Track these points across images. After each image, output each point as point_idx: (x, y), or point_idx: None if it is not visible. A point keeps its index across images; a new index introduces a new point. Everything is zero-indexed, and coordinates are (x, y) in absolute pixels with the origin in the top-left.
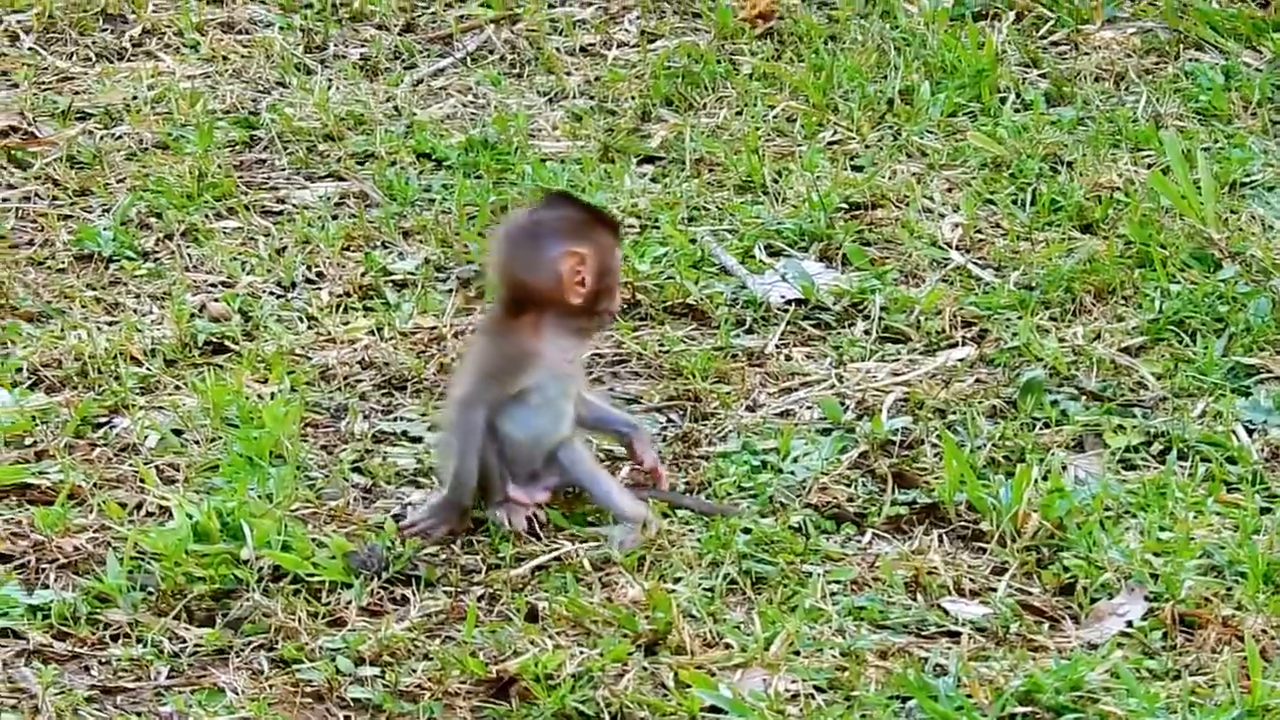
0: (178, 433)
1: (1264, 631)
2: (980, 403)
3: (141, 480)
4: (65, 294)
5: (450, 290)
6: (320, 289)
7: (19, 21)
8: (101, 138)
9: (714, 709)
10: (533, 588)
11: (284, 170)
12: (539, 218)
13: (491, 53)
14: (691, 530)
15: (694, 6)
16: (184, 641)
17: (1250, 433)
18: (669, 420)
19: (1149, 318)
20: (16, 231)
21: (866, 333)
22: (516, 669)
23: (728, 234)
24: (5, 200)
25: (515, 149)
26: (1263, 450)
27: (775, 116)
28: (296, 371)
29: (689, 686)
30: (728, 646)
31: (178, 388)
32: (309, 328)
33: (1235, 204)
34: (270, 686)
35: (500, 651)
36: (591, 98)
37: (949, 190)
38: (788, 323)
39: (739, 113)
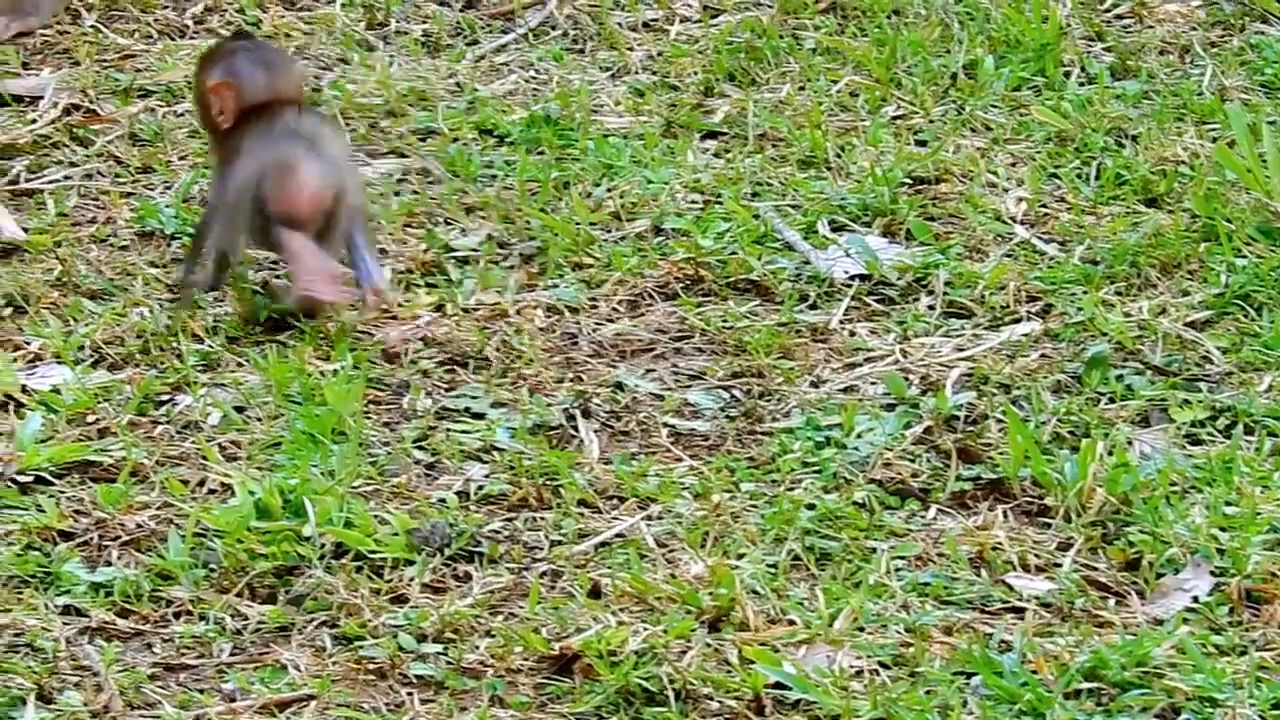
0: (240, 410)
1: None
2: (1045, 378)
3: (204, 457)
4: (127, 271)
5: (512, 266)
6: (383, 265)
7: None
8: (163, 115)
9: (778, 685)
10: (595, 564)
11: (346, 147)
12: None
13: (554, 29)
14: (755, 506)
15: None
16: (246, 618)
17: None
18: (732, 397)
19: (1215, 292)
20: (79, 209)
21: (930, 308)
22: (579, 645)
23: (791, 209)
24: (67, 178)
25: (577, 125)
26: None
27: (838, 91)
28: (359, 348)
29: (753, 663)
30: (791, 623)
31: (240, 365)
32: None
33: None
34: (333, 663)
35: (563, 628)
36: (654, 73)
37: (1013, 165)
38: (851, 298)
39: (802, 88)
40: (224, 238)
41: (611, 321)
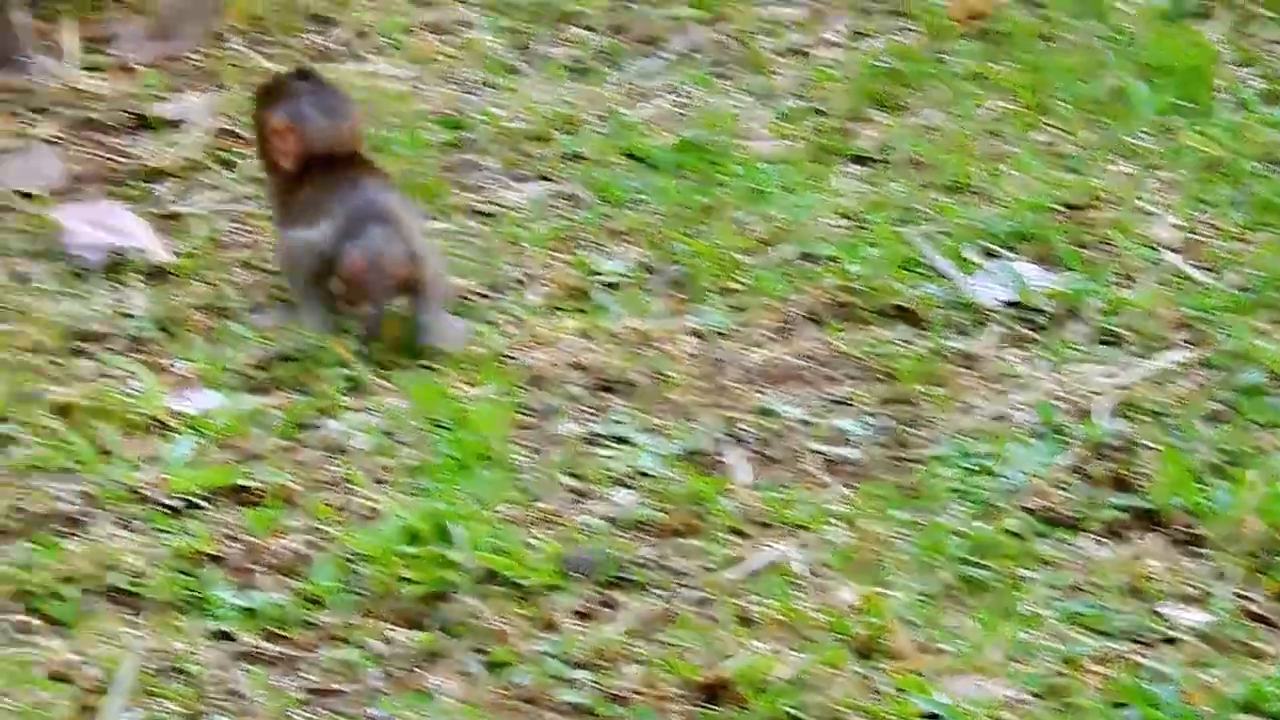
0: (387, 434)
1: None
2: (1198, 406)
3: (351, 482)
4: (275, 295)
5: (660, 291)
6: (529, 290)
7: (227, 23)
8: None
9: (930, 715)
10: (745, 591)
11: (492, 171)
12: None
13: (700, 53)
14: (905, 534)
15: (903, 6)
16: (394, 644)
17: None
18: (881, 424)
19: None
20: (226, 233)
21: (1081, 335)
22: (729, 673)
23: (939, 235)
24: (216, 201)
25: (724, 149)
26: None
27: (986, 116)
28: (506, 373)
29: (904, 692)
30: (943, 652)
31: (387, 389)
32: (519, 329)
33: None
34: (481, 690)
35: (712, 656)
36: (800, 97)
37: (1163, 191)
38: (1001, 324)
39: (950, 113)
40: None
41: (759, 347)
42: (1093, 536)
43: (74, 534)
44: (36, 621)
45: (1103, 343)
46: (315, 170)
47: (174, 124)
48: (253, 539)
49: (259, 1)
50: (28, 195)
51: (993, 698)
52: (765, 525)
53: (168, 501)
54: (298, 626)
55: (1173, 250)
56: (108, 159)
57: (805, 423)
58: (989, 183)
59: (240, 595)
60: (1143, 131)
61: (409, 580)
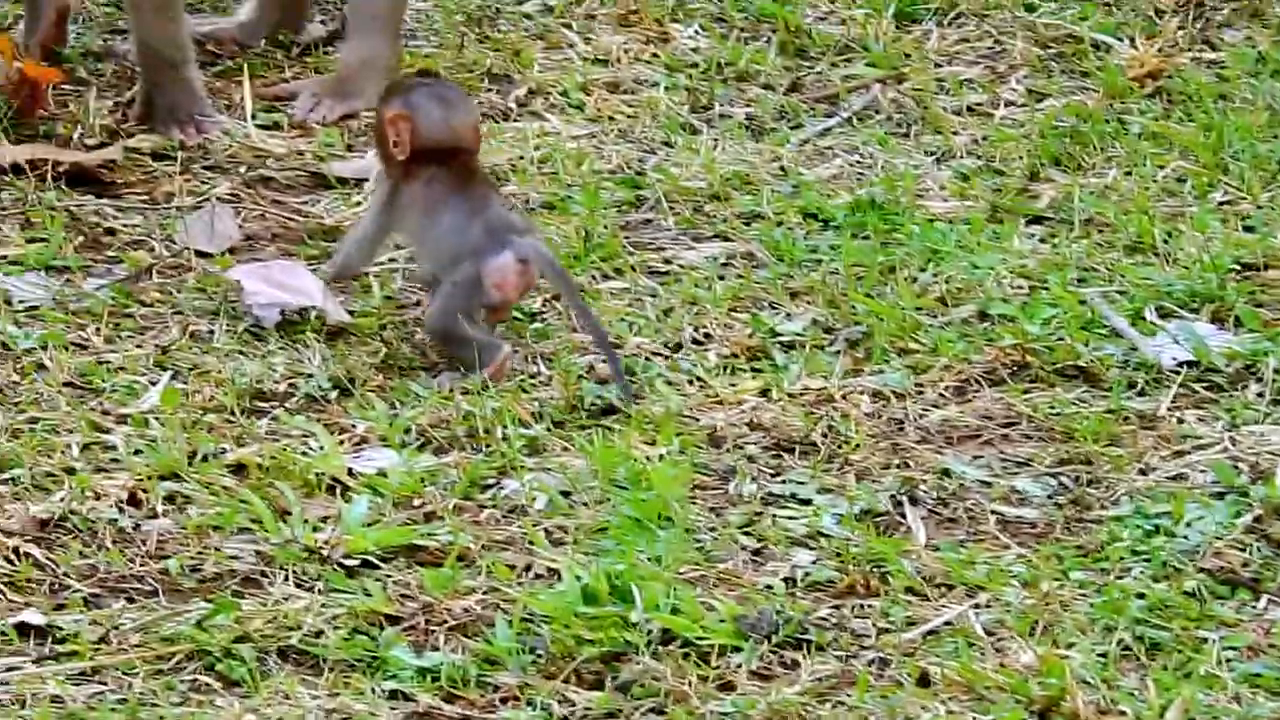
0: (566, 494)
1: None
2: None
3: (530, 542)
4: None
5: (838, 351)
6: (707, 350)
7: None
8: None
9: None
10: (924, 652)
11: (670, 230)
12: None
13: (878, 112)
14: (1084, 595)
15: (1082, 65)
16: (573, 704)
17: None
18: (1060, 484)
19: None
20: (403, 292)
21: (1260, 395)
22: None
23: (1118, 295)
24: (392, 261)
25: (903, 209)
26: None
27: (1165, 176)
28: (685, 433)
29: None
30: (1122, 713)
31: (565, 449)
32: (697, 389)
33: None
34: None
35: (891, 717)
36: (979, 157)
37: None
38: (1180, 385)
39: (1128, 172)
40: (358, 258)
41: (938, 407)
42: (1272, 598)
43: (251, 594)
44: (213, 682)
45: None
46: (434, 169)
47: (351, 182)
48: (431, 599)
49: (437, 60)
50: (205, 254)
51: None
52: (944, 586)
53: (345, 561)
54: (476, 687)
55: None
56: (285, 217)
57: (984, 483)
58: (1167, 243)
59: (419, 656)
60: None
61: (587, 641)
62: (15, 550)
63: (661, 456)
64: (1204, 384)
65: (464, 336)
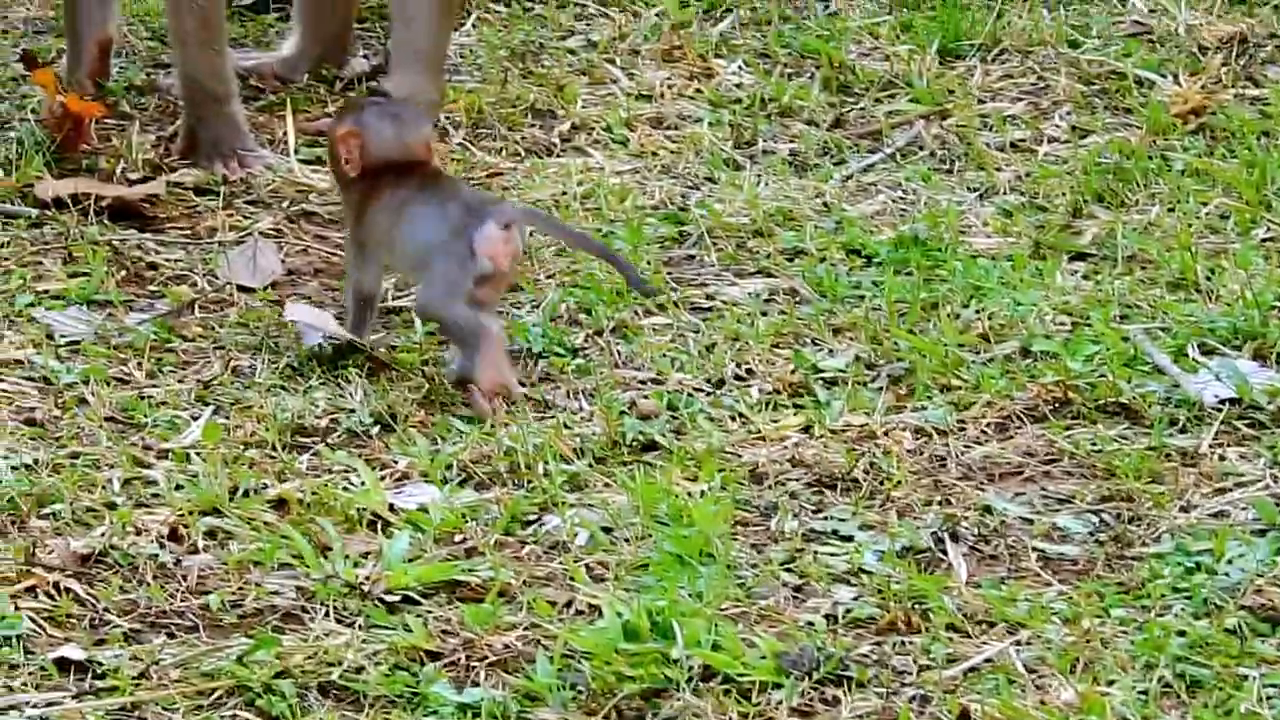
0: (607, 530)
1: None
2: None
3: (571, 578)
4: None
5: (880, 387)
6: (750, 386)
7: (448, 116)
8: (531, 233)
9: None
10: (965, 689)
11: (713, 266)
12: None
13: (921, 148)
14: (1125, 632)
15: (1125, 102)
16: None
17: None
18: (1102, 521)
19: None
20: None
21: None
22: None
23: (1160, 332)
24: None
25: (946, 245)
26: None
27: (1208, 213)
28: (726, 469)
29: None
30: None
31: (607, 485)
32: (739, 425)
33: None
34: None
35: None
36: (1022, 193)
37: None
38: (1221, 422)
39: (1171, 209)
40: (369, 283)
41: (980, 444)
42: None
43: (292, 629)
44: (254, 717)
45: None
46: (395, 178)
47: None
48: (472, 635)
49: (481, 95)
50: (247, 289)
51: None
52: (985, 623)
53: (386, 597)
54: None
55: None
56: (328, 253)
57: (1025, 520)
58: (1210, 280)
59: (459, 692)
60: None
61: (628, 677)
62: (56, 585)
63: (703, 493)
64: (1246, 421)
65: (453, 316)
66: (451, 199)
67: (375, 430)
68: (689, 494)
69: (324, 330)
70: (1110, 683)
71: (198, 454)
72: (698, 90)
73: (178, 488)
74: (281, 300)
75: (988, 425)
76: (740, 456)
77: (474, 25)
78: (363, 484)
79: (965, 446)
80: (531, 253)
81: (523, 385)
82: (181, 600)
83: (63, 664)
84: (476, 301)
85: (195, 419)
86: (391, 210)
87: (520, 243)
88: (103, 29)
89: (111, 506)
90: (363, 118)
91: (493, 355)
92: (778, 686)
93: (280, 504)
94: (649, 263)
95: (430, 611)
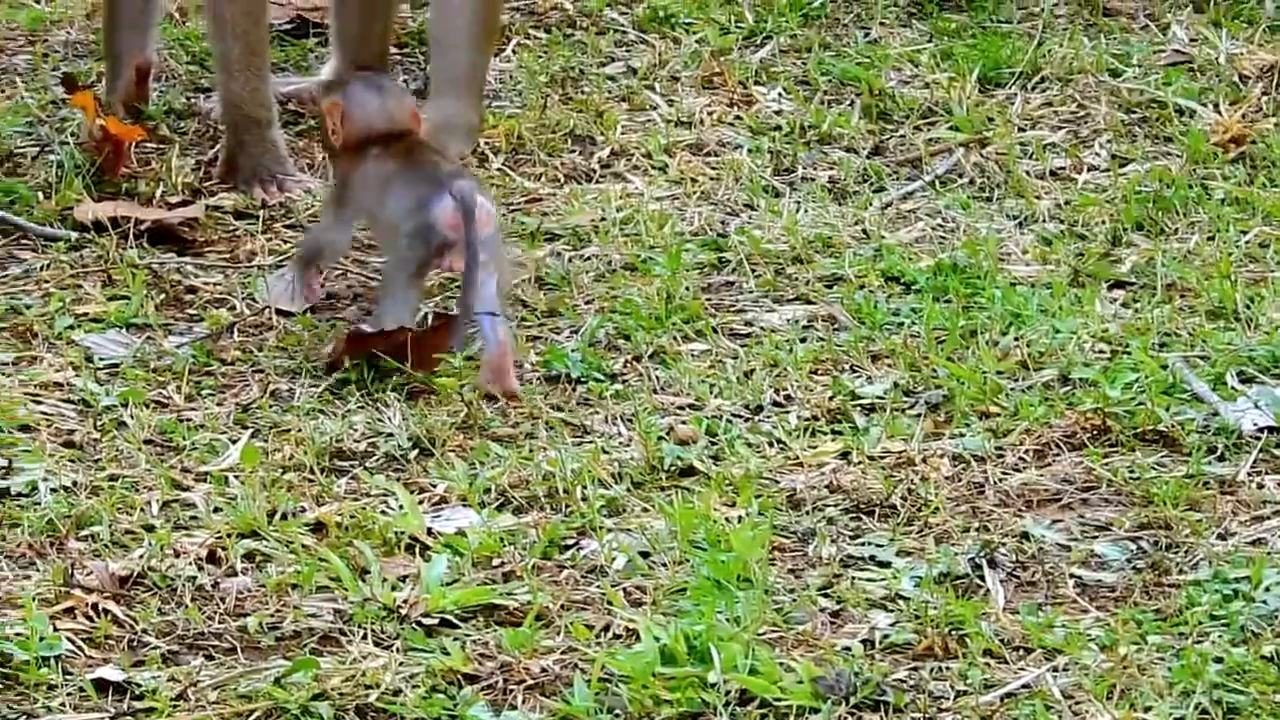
0: (645, 555)
1: None
2: None
3: (609, 602)
4: (533, 415)
5: (919, 414)
6: (788, 412)
7: (488, 142)
8: (570, 259)
9: None
10: (1001, 715)
11: (752, 293)
12: None
13: (960, 176)
14: (1162, 659)
15: (1165, 130)
16: None
17: None
18: (1139, 548)
19: None
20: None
21: None
22: None
23: (1199, 360)
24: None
25: (985, 273)
26: None
27: (1247, 242)
28: (764, 495)
29: None
30: None
31: (645, 510)
32: (777, 451)
33: None
34: None
35: None
36: (1061, 221)
37: None
38: (1260, 450)
39: (1210, 238)
40: (331, 241)
41: (1018, 471)
42: None
43: (330, 652)
44: None
45: None
46: (378, 149)
47: None
48: (509, 658)
49: (521, 120)
50: (286, 313)
51: None
52: (1022, 649)
53: (424, 620)
54: None
55: None
56: (367, 277)
57: (1063, 547)
58: (1249, 308)
59: (497, 715)
60: None
61: (666, 701)
62: (94, 607)
63: (741, 518)
64: None
65: (404, 290)
66: (422, 176)
67: (414, 454)
68: (727, 519)
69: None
70: (1147, 709)
71: (236, 477)
72: (737, 117)
73: (216, 510)
74: (319, 324)
75: (1026, 452)
76: (778, 482)
77: (514, 51)
78: (401, 508)
79: (1003, 473)
80: (570, 279)
81: (522, 383)
82: (219, 622)
83: (101, 685)
84: (442, 269)
85: (234, 442)
86: (377, 181)
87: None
88: (142, 53)
89: (150, 529)
90: (348, 90)
91: (494, 359)
92: (814, 711)
93: (318, 527)
94: (687, 288)
95: (468, 635)
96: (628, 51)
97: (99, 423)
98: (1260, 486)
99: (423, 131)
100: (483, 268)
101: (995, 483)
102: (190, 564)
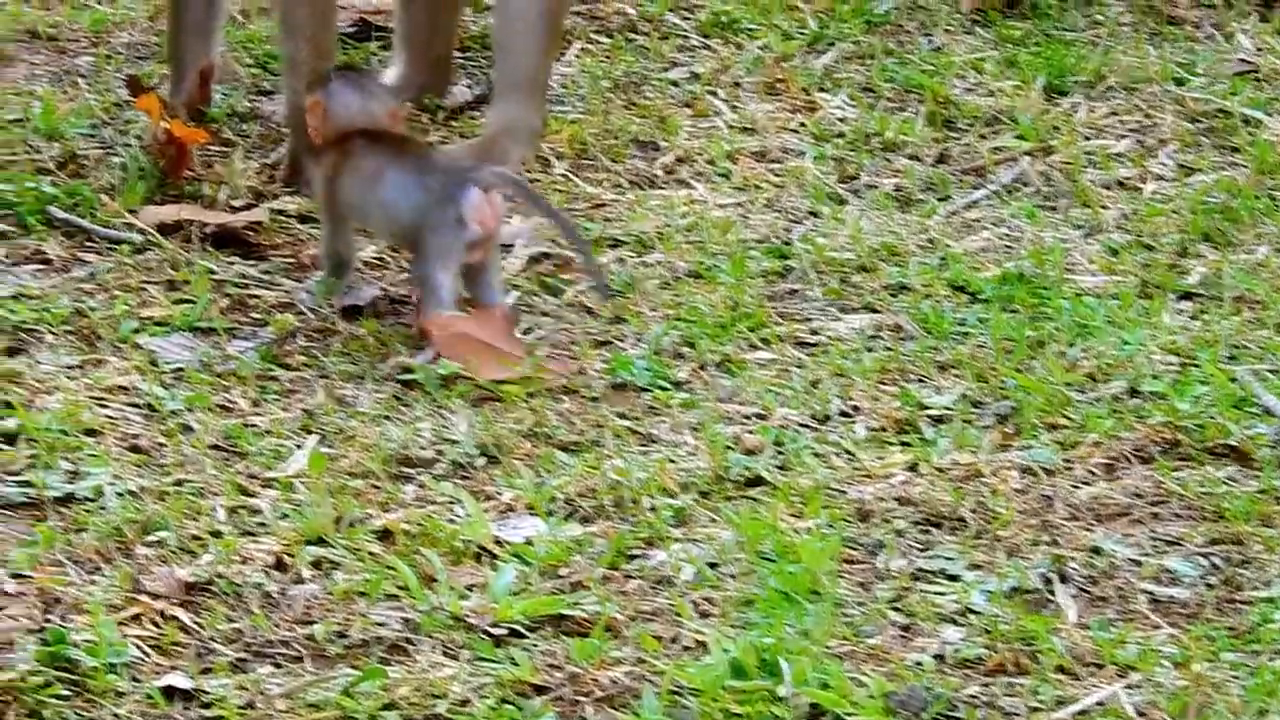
0: (713, 565)
1: None
2: None
3: (677, 613)
4: (599, 423)
5: (987, 426)
6: (855, 422)
7: (551, 147)
8: (634, 265)
9: None
10: None
11: (817, 301)
12: None
13: (1026, 184)
14: (1236, 677)
15: (1232, 140)
16: None
17: None
18: (1211, 564)
19: None
20: (549, 359)
21: None
22: None
23: (1269, 374)
24: (540, 326)
25: (1051, 283)
26: None
27: None
28: (832, 506)
29: None
30: None
31: (712, 520)
32: (845, 461)
33: None
34: None
35: None
36: (1128, 232)
37: None
38: None
39: (1279, 249)
40: (343, 249)
41: (1087, 484)
42: None
43: (398, 660)
44: None
45: None
46: (368, 144)
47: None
48: (578, 669)
49: (583, 125)
50: (352, 316)
51: None
52: (1094, 665)
53: (492, 630)
54: None
55: None
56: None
57: (1134, 562)
58: None
59: None
60: None
61: (736, 715)
62: (161, 613)
63: (809, 529)
64: None
65: (441, 284)
66: (430, 169)
67: (480, 462)
68: (795, 530)
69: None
70: None
71: (302, 483)
72: (801, 123)
73: (283, 517)
74: (384, 329)
75: (1095, 465)
76: (846, 493)
77: (576, 55)
78: (468, 516)
79: (1073, 486)
80: (636, 285)
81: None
82: (287, 630)
83: (169, 692)
84: (470, 265)
85: (299, 448)
86: (365, 178)
87: (500, 201)
88: (206, 56)
89: (216, 535)
90: (329, 87)
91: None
92: None
93: (385, 534)
94: (752, 296)
95: (536, 645)
96: (690, 56)
97: (164, 427)
98: None
99: (485, 134)
100: (493, 262)
101: (1064, 496)
102: (258, 571)
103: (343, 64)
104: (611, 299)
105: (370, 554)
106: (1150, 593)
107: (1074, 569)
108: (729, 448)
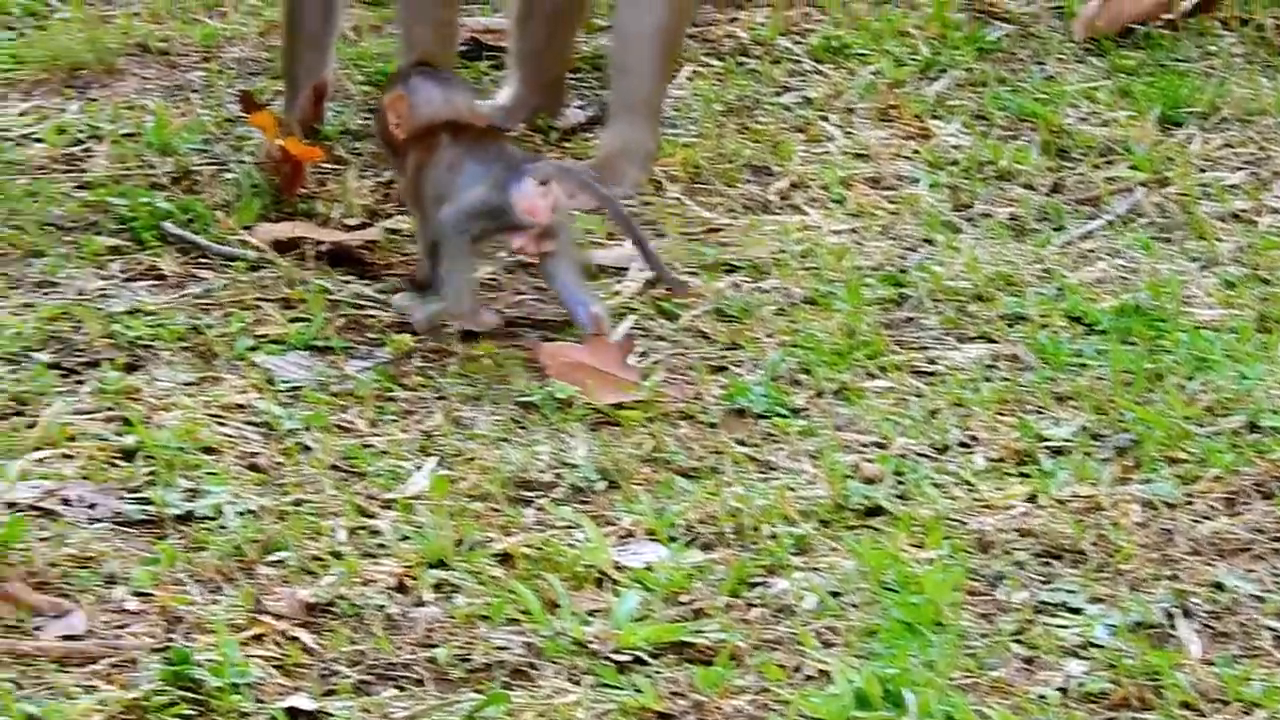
0: (835, 595)
1: None
2: None
3: (800, 642)
4: (718, 449)
5: (1106, 458)
6: (974, 452)
7: (664, 170)
8: (750, 291)
9: None
10: None
11: (934, 330)
12: None
13: (1141, 215)
14: None
15: None
16: None
17: None
18: None
19: None
20: (667, 383)
21: None
22: None
23: None
24: (657, 351)
25: (1168, 315)
26: None
27: None
28: (953, 537)
29: None
30: None
31: (833, 549)
32: (964, 492)
33: None
34: None
35: None
36: (1244, 264)
37: None
38: None
39: None
40: (460, 259)
41: (1208, 519)
42: None
43: (521, 685)
44: None
45: None
46: (447, 139)
47: (613, 271)
48: (702, 698)
49: (696, 149)
50: (467, 339)
51: None
52: (1220, 701)
53: (615, 656)
54: None
55: None
56: (547, 304)
57: (1257, 598)
58: None
59: None
60: None
61: None
62: (284, 634)
63: (931, 560)
64: None
65: (455, 262)
66: (497, 158)
67: (599, 486)
68: (916, 560)
69: (423, 310)
70: None
71: (423, 505)
72: (914, 150)
73: (404, 539)
74: (500, 350)
75: (1215, 500)
76: (966, 524)
77: (688, 79)
78: (588, 540)
79: (1194, 521)
80: (752, 311)
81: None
82: (409, 653)
83: (293, 713)
84: (519, 252)
85: (417, 469)
86: (446, 168)
87: (558, 196)
88: (320, 74)
89: (337, 555)
90: (410, 82)
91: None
92: None
93: (505, 558)
94: (868, 324)
95: (659, 672)
96: (802, 81)
97: (283, 446)
98: None
99: (599, 155)
100: (561, 251)
101: (1185, 530)
102: (379, 593)
103: (419, 61)
104: (683, 288)
105: (491, 577)
106: (1274, 629)
107: (1196, 604)
108: (848, 476)
